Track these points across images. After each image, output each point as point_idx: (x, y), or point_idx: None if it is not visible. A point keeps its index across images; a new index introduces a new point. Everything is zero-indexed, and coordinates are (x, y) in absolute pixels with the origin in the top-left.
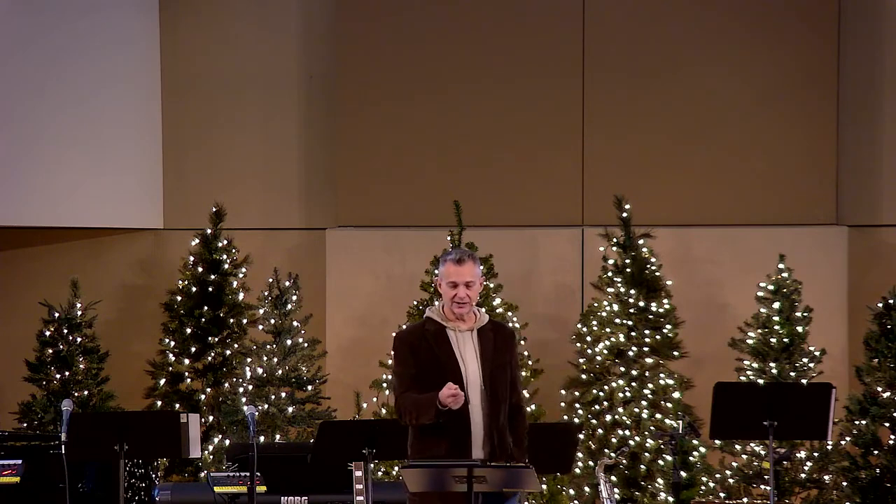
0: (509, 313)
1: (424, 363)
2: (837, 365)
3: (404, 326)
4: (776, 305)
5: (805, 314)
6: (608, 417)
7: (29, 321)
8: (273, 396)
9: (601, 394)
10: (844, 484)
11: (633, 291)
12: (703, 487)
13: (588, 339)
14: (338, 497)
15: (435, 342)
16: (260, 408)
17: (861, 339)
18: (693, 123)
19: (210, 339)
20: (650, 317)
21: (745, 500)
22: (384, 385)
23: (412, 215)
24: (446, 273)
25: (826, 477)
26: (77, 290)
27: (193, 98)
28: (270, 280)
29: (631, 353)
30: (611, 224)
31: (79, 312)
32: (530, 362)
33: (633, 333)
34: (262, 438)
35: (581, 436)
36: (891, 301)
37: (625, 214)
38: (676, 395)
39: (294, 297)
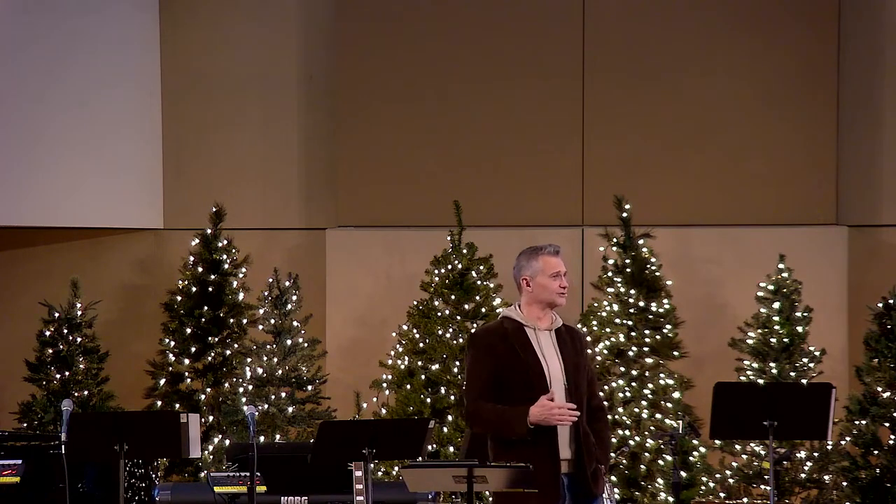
0: None
1: (504, 362)
2: (837, 365)
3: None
4: (776, 305)
5: (805, 314)
6: (608, 417)
7: (29, 321)
8: (273, 396)
9: (601, 394)
10: (844, 484)
11: (633, 291)
12: (703, 487)
13: (588, 338)
14: (338, 497)
15: (515, 340)
16: (260, 408)
17: (861, 339)
18: (693, 124)
19: (210, 339)
20: (650, 317)
21: (745, 500)
22: (384, 385)
23: (412, 215)
24: (546, 265)
25: (826, 477)
26: (77, 290)
27: (193, 98)
28: (270, 280)
29: (631, 353)
30: (611, 224)
31: (79, 312)
32: None
33: (633, 333)
34: (262, 438)
35: None
36: (891, 301)
37: (625, 214)
38: (676, 395)
39: (294, 297)
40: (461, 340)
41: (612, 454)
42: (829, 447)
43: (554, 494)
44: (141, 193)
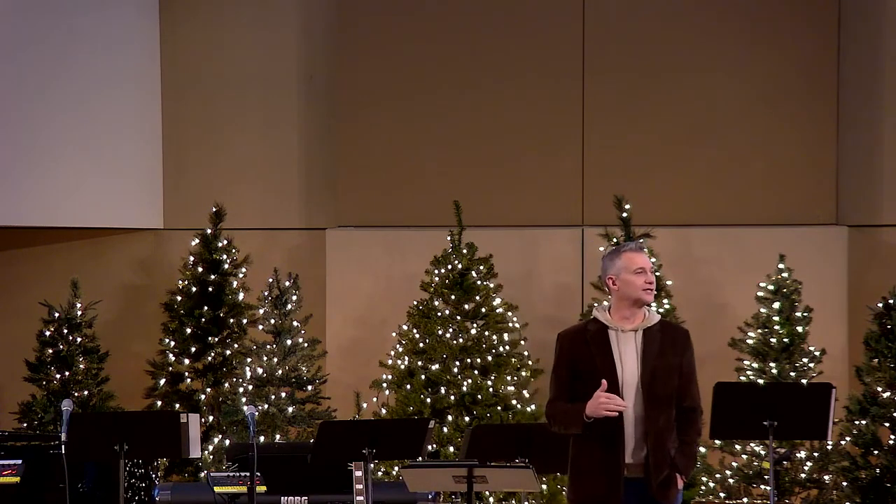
0: (509, 313)
1: (582, 365)
2: (837, 365)
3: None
4: (776, 305)
5: (805, 314)
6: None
7: (29, 321)
8: (273, 396)
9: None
10: (844, 484)
11: None
12: (703, 487)
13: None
14: (338, 497)
15: (594, 342)
16: (260, 408)
17: (861, 339)
18: (693, 124)
19: (210, 339)
20: None
21: (745, 500)
22: (384, 385)
23: (412, 215)
24: (629, 262)
25: (826, 477)
26: (77, 290)
27: (193, 98)
28: (270, 280)
29: None
30: (611, 224)
31: (79, 312)
32: (530, 362)
33: None
34: (262, 438)
35: None
36: (891, 301)
37: (625, 214)
38: None
39: (294, 297)
40: (461, 340)
41: None
42: (829, 447)
43: (614, 498)
44: (141, 193)
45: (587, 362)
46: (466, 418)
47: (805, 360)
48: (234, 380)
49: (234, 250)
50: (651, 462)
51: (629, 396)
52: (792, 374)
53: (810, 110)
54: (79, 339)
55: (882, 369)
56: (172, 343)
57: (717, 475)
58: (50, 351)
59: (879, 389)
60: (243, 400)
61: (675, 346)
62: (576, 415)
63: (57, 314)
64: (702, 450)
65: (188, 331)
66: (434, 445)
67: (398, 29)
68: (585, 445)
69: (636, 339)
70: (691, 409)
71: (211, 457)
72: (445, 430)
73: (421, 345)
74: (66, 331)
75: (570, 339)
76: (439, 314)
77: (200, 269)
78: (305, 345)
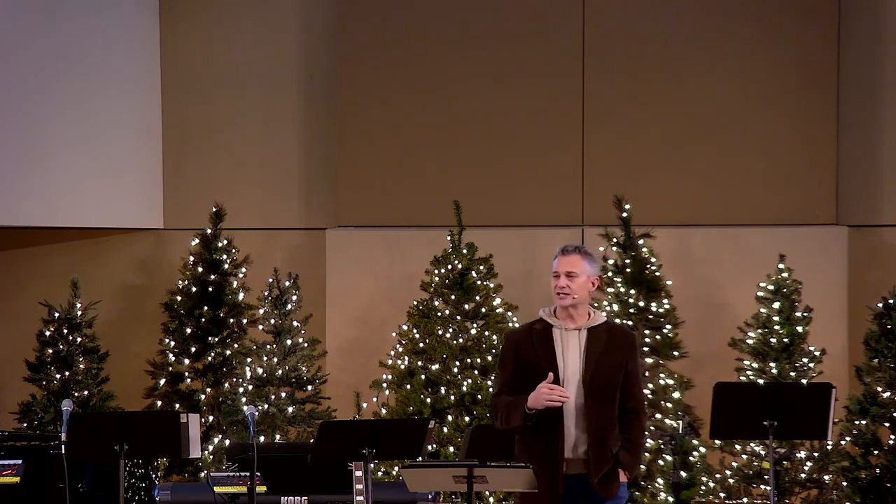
0: (509, 313)
1: (525, 362)
2: (837, 365)
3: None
4: (776, 305)
5: (805, 314)
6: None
7: (29, 321)
8: (273, 396)
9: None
10: (844, 484)
11: (633, 291)
12: (703, 487)
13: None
14: (338, 497)
15: (538, 340)
16: (260, 408)
17: (861, 339)
18: (693, 123)
19: (210, 339)
20: (650, 317)
21: (745, 500)
22: (384, 385)
23: (412, 215)
24: (554, 263)
25: (826, 477)
26: (77, 290)
27: (193, 98)
28: (270, 280)
29: None
30: (611, 224)
31: (79, 312)
32: None
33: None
34: (262, 438)
35: None
36: (891, 301)
37: (625, 214)
38: (676, 395)
39: (294, 297)
40: (461, 340)
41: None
42: (829, 447)
43: (554, 492)
44: (141, 193)
45: (531, 359)
46: (466, 418)
47: (805, 360)
48: (234, 380)
49: (234, 250)
50: (592, 457)
51: (570, 392)
52: (792, 374)
53: (810, 110)
54: (79, 339)
55: (882, 369)
56: (172, 343)
57: (717, 475)
58: (50, 351)
59: (879, 389)
60: (243, 400)
61: (620, 346)
62: (518, 407)
63: (57, 314)
64: (702, 450)
65: (188, 331)
66: (434, 445)
67: (398, 29)
68: (527, 440)
69: (580, 337)
70: (634, 410)
71: (211, 457)
72: (445, 430)
73: (421, 345)
74: (66, 331)
75: (516, 337)
76: (439, 314)
77: (200, 269)
78: (305, 345)
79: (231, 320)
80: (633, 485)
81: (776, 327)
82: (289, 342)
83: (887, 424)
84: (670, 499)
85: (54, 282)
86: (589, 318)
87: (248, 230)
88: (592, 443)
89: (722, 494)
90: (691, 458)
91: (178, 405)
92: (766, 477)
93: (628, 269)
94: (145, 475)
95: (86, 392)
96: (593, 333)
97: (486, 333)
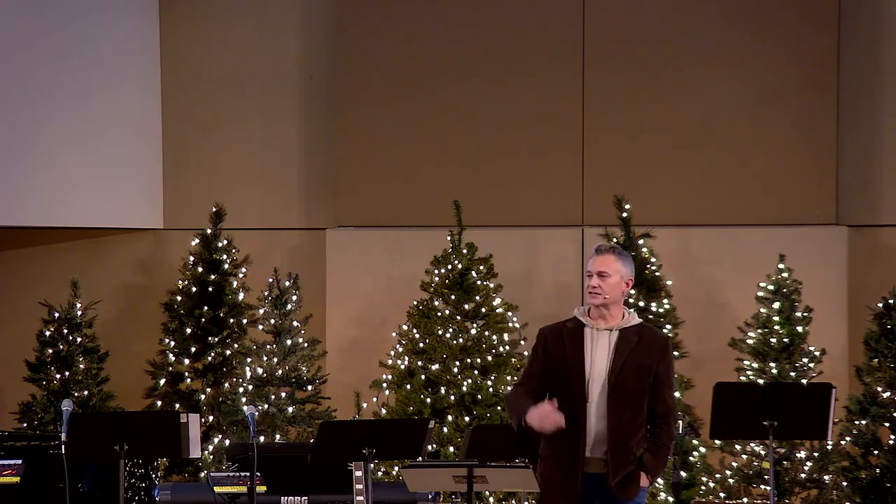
0: (509, 313)
1: (553, 358)
2: (837, 365)
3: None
4: (776, 305)
5: (805, 314)
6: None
7: (29, 321)
8: (273, 396)
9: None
10: (844, 484)
11: (632, 291)
12: (703, 487)
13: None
14: (338, 497)
15: (568, 338)
16: (260, 408)
17: (861, 339)
18: (693, 123)
19: (210, 339)
20: (650, 317)
21: (745, 500)
22: (384, 385)
23: (412, 215)
24: (588, 263)
25: (826, 477)
26: (77, 290)
27: (193, 98)
28: (270, 280)
29: None
30: (611, 224)
31: (79, 312)
32: None
33: None
34: (262, 438)
35: None
36: (891, 301)
37: (625, 214)
38: (676, 394)
39: (294, 297)
40: (461, 340)
41: None
42: (829, 447)
43: (572, 490)
44: (141, 193)
45: (559, 356)
46: (466, 418)
47: (805, 360)
48: (234, 380)
49: (234, 250)
50: (611, 457)
51: (595, 391)
52: (792, 374)
53: (810, 110)
54: (79, 339)
55: (882, 369)
56: (172, 343)
57: (717, 475)
58: (50, 351)
59: (879, 389)
60: (243, 400)
61: (650, 349)
62: (520, 412)
63: (57, 314)
64: (702, 450)
65: (188, 331)
66: (434, 445)
67: (398, 29)
68: (552, 436)
69: (610, 337)
70: (664, 415)
71: (211, 457)
72: (445, 430)
73: (421, 345)
74: (66, 331)
75: (547, 333)
76: (439, 314)
77: (200, 269)
78: (305, 345)
79: (231, 320)
80: None
81: (776, 327)
82: (289, 342)
83: (887, 424)
84: (670, 499)
85: (54, 282)
86: (622, 318)
87: (248, 230)
88: (613, 444)
89: (722, 494)
90: (691, 458)
91: (178, 405)
92: (766, 477)
93: None
94: (145, 475)
95: (86, 392)
96: (624, 335)
97: (486, 333)
